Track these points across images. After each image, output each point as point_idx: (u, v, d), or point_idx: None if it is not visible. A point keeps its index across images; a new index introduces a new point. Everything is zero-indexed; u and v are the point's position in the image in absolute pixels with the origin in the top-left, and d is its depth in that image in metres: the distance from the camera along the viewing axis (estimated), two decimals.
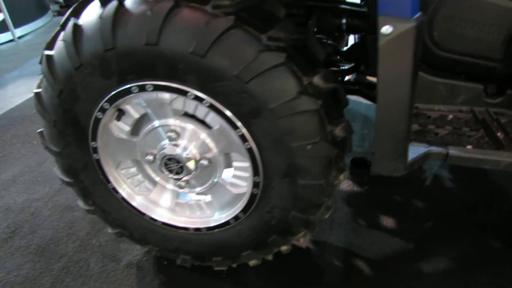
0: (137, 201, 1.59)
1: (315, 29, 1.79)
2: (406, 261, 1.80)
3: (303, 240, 1.58)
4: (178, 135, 1.40)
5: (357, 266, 1.80)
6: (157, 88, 1.25)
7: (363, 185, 2.24)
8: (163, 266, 1.82)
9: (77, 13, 1.28)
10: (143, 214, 1.59)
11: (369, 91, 2.03)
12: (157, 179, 1.55)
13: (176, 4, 1.14)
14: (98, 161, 1.49)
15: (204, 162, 1.42)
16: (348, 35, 2.15)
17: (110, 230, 1.73)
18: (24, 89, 3.90)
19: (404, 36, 1.06)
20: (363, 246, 1.89)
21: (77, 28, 1.24)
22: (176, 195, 1.60)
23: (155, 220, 1.60)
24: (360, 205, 2.12)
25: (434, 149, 1.40)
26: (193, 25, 1.13)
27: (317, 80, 1.21)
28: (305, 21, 1.69)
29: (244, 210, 1.45)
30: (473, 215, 2.01)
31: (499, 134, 1.55)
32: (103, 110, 1.35)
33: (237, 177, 1.45)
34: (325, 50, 1.48)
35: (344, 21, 1.72)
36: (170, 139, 1.41)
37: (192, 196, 1.61)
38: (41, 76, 1.43)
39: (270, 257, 1.65)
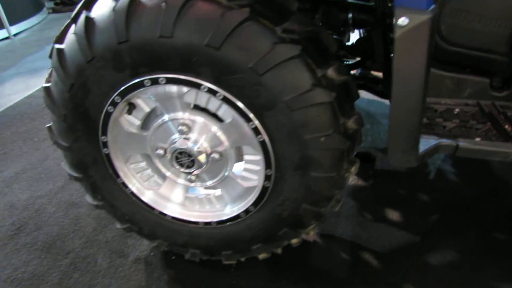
0: (147, 196, 1.59)
1: (320, 24, 1.79)
2: (413, 254, 1.81)
3: (312, 233, 1.59)
4: (190, 128, 1.40)
5: (364, 259, 1.81)
6: (170, 81, 1.25)
7: (368, 180, 2.25)
8: (171, 261, 1.82)
9: (88, 6, 1.27)
10: (153, 208, 1.59)
11: (374, 86, 2.04)
12: (167, 173, 1.55)
13: None
14: (107, 155, 1.49)
15: (216, 155, 1.42)
16: (354, 29, 2.16)
17: (118, 225, 1.72)
18: (22, 86, 3.87)
19: (420, 28, 1.07)
20: (369, 239, 1.90)
21: (89, 21, 1.23)
22: (186, 189, 1.59)
23: (165, 215, 1.60)
24: (365, 199, 2.13)
25: (444, 141, 1.41)
26: (208, 18, 1.13)
27: (330, 72, 1.22)
28: (311, 16, 1.69)
29: (255, 203, 1.45)
30: (477, 208, 2.02)
31: (506, 126, 1.56)
32: (114, 104, 1.35)
33: (248, 170, 1.45)
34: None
35: (350, 15, 1.73)
36: (181, 132, 1.40)
37: (201, 190, 1.61)
38: (50, 70, 1.41)
39: (279, 251, 1.66)
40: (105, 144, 1.46)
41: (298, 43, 1.16)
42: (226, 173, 1.48)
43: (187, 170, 1.46)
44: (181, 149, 1.41)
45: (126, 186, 1.56)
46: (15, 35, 5.70)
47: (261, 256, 1.65)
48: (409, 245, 1.87)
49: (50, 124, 1.52)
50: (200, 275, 1.75)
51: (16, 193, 2.31)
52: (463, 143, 1.43)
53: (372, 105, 2.88)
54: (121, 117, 1.42)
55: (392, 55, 1.86)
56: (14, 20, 5.70)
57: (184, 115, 1.39)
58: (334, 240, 1.90)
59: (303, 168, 1.32)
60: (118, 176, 1.53)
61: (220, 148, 1.41)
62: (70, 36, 1.30)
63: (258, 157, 1.37)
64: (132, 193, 1.57)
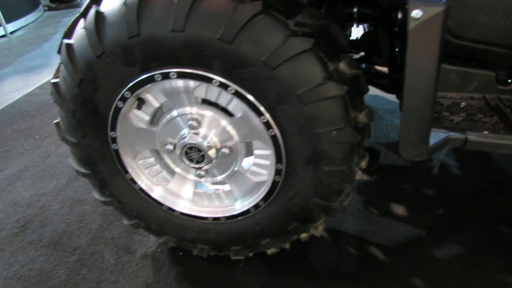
0: (155, 192, 1.58)
1: None
2: (419, 248, 1.82)
3: (321, 227, 1.59)
4: (199, 123, 1.40)
5: (371, 253, 1.81)
6: (181, 75, 1.24)
7: (373, 174, 2.25)
8: (179, 257, 1.81)
9: (98, 0, 1.26)
10: (161, 204, 1.59)
11: (379, 80, 2.04)
12: (176, 169, 1.55)
13: None
14: (116, 151, 1.48)
15: (225, 150, 1.41)
16: (358, 24, 2.16)
17: (126, 222, 1.72)
18: (21, 84, 3.85)
19: (434, 20, 1.07)
20: (375, 233, 1.90)
21: (99, 15, 1.22)
22: (195, 185, 1.59)
23: (173, 211, 1.59)
24: (370, 193, 2.13)
25: (453, 134, 1.41)
26: (221, 11, 1.13)
27: (342, 66, 1.22)
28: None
29: (265, 198, 1.45)
30: (482, 202, 2.03)
31: None
32: (124, 99, 1.34)
33: (258, 165, 1.45)
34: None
35: (355, 10, 1.73)
36: (191, 127, 1.40)
37: (210, 186, 1.61)
38: (58, 65, 1.40)
39: (287, 246, 1.66)
40: (114, 140, 1.45)
41: (311, 36, 1.16)
42: (236, 168, 1.48)
43: (197, 165, 1.46)
44: (191, 144, 1.41)
45: (135, 182, 1.55)
46: (11, 33, 5.66)
47: (270, 251, 1.65)
48: (415, 239, 1.88)
49: (57, 120, 1.51)
50: (208, 271, 1.75)
51: (19, 190, 2.29)
52: (472, 136, 1.43)
53: (374, 100, 2.89)
54: (130, 112, 1.42)
55: (397, 49, 1.87)
56: (10, 18, 5.66)
57: (193, 110, 1.38)
58: (341, 235, 1.90)
59: (314, 162, 1.32)
60: (126, 172, 1.53)
61: (230, 143, 1.41)
62: (79, 31, 1.28)
63: (269, 151, 1.37)
64: (141, 189, 1.56)
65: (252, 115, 1.28)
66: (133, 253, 1.85)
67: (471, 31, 1.58)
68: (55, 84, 1.40)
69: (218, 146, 1.42)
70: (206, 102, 1.39)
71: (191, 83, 1.30)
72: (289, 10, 1.18)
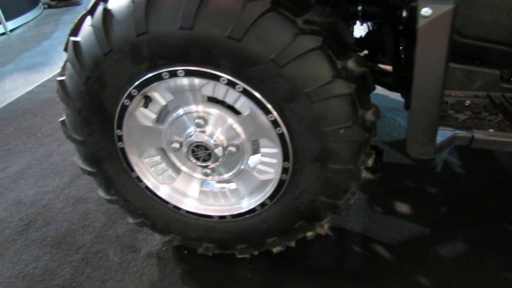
0: (161, 190, 1.58)
1: None
2: (423, 246, 1.82)
3: (327, 226, 1.59)
4: (206, 121, 1.39)
5: (376, 251, 1.81)
6: (189, 73, 1.24)
7: (376, 172, 2.26)
8: (184, 255, 1.81)
9: None
10: (167, 203, 1.58)
11: (383, 79, 2.04)
12: (182, 167, 1.54)
13: None
14: (122, 149, 1.48)
15: (232, 148, 1.41)
16: (363, 22, 2.15)
17: (131, 220, 1.71)
18: (22, 82, 3.84)
19: (443, 18, 1.07)
20: (380, 231, 1.91)
21: (107, 12, 1.22)
22: (201, 183, 1.59)
23: (179, 209, 1.59)
24: (374, 192, 2.13)
25: (460, 133, 1.41)
26: (230, 9, 1.12)
27: (350, 64, 1.22)
28: None
29: (271, 196, 1.45)
30: (485, 200, 2.04)
31: None
32: (130, 97, 1.33)
33: (265, 163, 1.45)
34: None
35: (360, 8, 1.72)
36: (198, 125, 1.40)
37: (215, 184, 1.61)
38: (64, 63, 1.40)
39: (293, 244, 1.66)
40: (120, 138, 1.45)
41: (319, 34, 1.16)
42: (242, 167, 1.48)
43: (203, 164, 1.45)
44: (197, 142, 1.40)
45: (141, 180, 1.55)
46: (11, 30, 5.64)
47: (276, 249, 1.65)
48: (418, 237, 1.88)
49: (63, 118, 1.50)
50: (213, 269, 1.75)
51: (22, 189, 2.29)
52: (478, 135, 1.43)
53: (376, 99, 2.89)
54: (137, 110, 1.41)
55: (402, 47, 1.87)
56: (10, 16, 5.64)
57: (200, 108, 1.38)
58: (346, 233, 1.91)
59: (321, 161, 1.32)
60: (132, 170, 1.53)
61: (236, 141, 1.41)
62: (86, 28, 1.28)
63: (276, 150, 1.36)
64: (147, 187, 1.56)
65: (259, 113, 1.28)
66: (137, 252, 1.84)
67: (476, 29, 1.58)
68: (61, 81, 1.40)
69: (225, 144, 1.42)
70: (212, 100, 1.39)
71: (199, 81, 1.29)
72: (298, 7, 1.17)
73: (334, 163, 1.32)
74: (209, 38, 1.15)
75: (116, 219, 2.02)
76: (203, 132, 1.40)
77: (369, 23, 2.20)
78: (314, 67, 1.17)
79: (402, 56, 1.83)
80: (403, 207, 2.04)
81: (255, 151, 1.47)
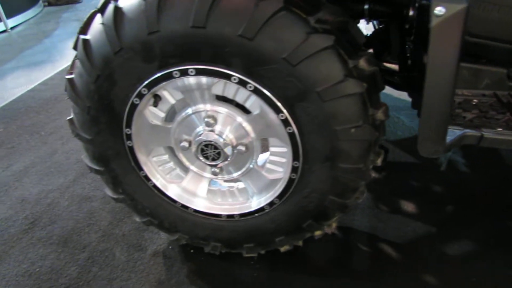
0: (169, 189, 1.58)
1: None
2: (430, 245, 1.82)
3: (335, 225, 1.59)
4: (216, 120, 1.39)
5: (382, 250, 1.82)
6: (200, 72, 1.24)
7: (381, 171, 2.25)
8: (190, 254, 1.81)
9: None
10: (175, 202, 1.58)
11: (390, 78, 2.03)
12: (191, 166, 1.54)
13: None
14: (131, 148, 1.47)
15: (241, 147, 1.41)
16: (369, 21, 2.15)
17: (138, 219, 1.71)
18: (24, 80, 3.83)
19: (456, 17, 1.07)
20: (386, 230, 1.91)
21: (118, 11, 1.21)
22: (209, 182, 1.59)
23: (187, 208, 1.59)
24: (380, 190, 2.14)
25: (469, 131, 1.42)
26: (242, 8, 1.12)
27: (362, 63, 1.22)
28: None
29: (280, 195, 1.45)
30: (490, 198, 2.04)
31: None
32: (140, 96, 1.33)
33: (274, 162, 1.45)
34: None
35: (366, 6, 1.72)
36: (208, 124, 1.39)
37: (223, 183, 1.61)
38: (73, 61, 1.39)
39: (300, 243, 1.66)
40: (128, 137, 1.44)
41: (331, 33, 1.15)
42: (251, 166, 1.47)
43: (212, 163, 1.45)
44: (207, 141, 1.40)
45: (149, 179, 1.55)
46: (12, 28, 5.62)
47: (283, 248, 1.65)
48: (426, 235, 1.88)
49: (71, 117, 1.50)
50: (220, 268, 1.75)
51: (27, 187, 2.28)
52: (487, 133, 1.43)
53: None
54: (146, 109, 1.41)
55: (408, 46, 1.87)
56: (10, 13, 5.62)
57: (209, 107, 1.38)
58: (352, 232, 1.91)
59: (331, 160, 1.31)
60: (141, 169, 1.52)
61: (246, 140, 1.41)
62: (96, 27, 1.27)
63: (285, 149, 1.36)
64: (155, 186, 1.56)
65: (269, 112, 1.28)
66: (144, 251, 1.84)
67: (483, 27, 1.58)
68: (70, 80, 1.39)
69: (234, 143, 1.41)
70: (221, 99, 1.39)
71: (209, 79, 1.29)
72: (310, 6, 1.17)
73: (344, 162, 1.32)
74: (221, 37, 1.15)
75: (122, 218, 2.01)
76: (213, 131, 1.40)
77: (375, 22, 2.20)
78: (326, 66, 1.16)
79: (408, 55, 1.83)
80: (408, 206, 2.04)
81: (264, 150, 1.47)
